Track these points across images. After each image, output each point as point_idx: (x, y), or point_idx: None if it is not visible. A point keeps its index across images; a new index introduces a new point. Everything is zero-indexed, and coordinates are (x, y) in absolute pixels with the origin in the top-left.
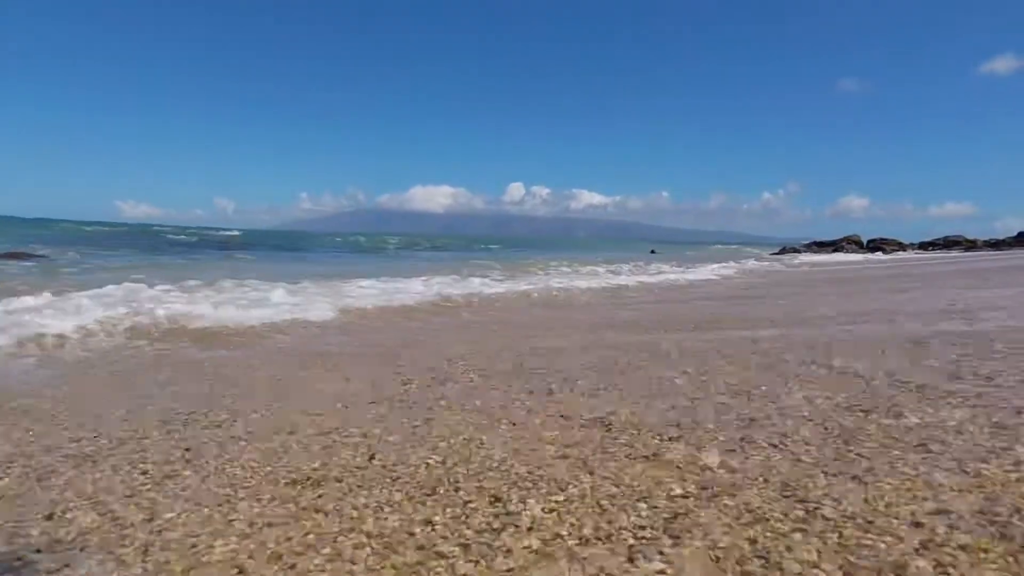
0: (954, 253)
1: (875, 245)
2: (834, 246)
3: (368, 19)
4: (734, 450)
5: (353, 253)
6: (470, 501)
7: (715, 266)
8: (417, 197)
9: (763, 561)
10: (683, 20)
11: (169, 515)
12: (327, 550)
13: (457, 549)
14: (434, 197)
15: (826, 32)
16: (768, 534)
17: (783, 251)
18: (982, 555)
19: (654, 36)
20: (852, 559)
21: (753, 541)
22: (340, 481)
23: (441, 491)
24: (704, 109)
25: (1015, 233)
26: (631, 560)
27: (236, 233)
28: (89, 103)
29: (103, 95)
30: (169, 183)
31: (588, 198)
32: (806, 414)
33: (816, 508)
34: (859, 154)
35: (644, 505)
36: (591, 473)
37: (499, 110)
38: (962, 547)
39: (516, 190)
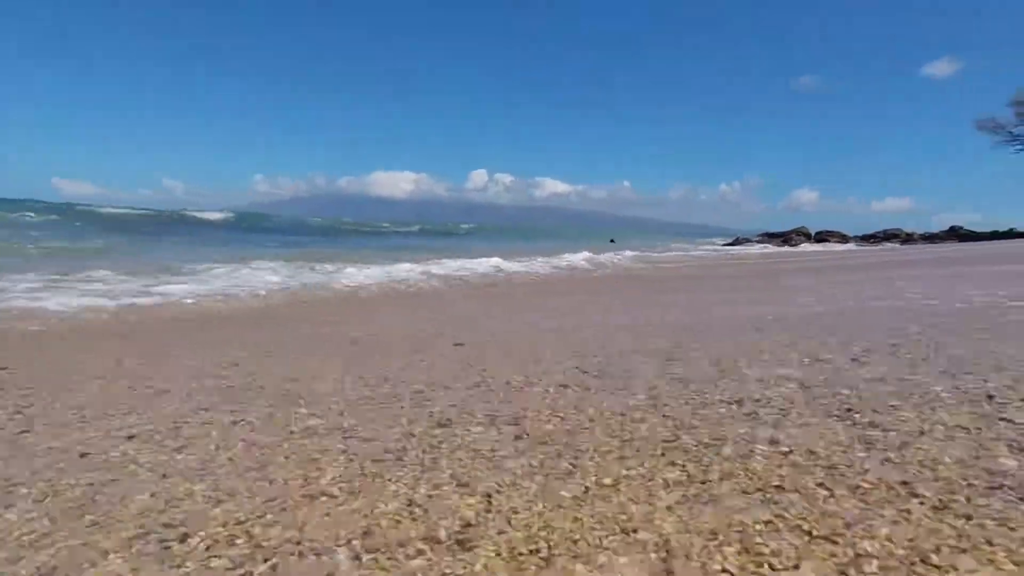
0: (890, 245)
1: (821, 237)
2: (783, 237)
3: (331, 7)
4: None
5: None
6: None
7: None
8: (379, 182)
9: None
10: (644, 14)
11: None
12: None
13: None
14: (396, 183)
15: (784, 30)
16: None
17: (736, 242)
18: None
19: (616, 28)
20: None
21: None
22: None
23: None
24: (665, 101)
25: (947, 227)
26: None
27: (221, 215)
28: (23, 73)
29: (41, 65)
30: (112, 161)
31: (552, 186)
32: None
33: None
34: (811, 149)
35: None
36: None
37: (463, 95)
38: None
39: (479, 177)
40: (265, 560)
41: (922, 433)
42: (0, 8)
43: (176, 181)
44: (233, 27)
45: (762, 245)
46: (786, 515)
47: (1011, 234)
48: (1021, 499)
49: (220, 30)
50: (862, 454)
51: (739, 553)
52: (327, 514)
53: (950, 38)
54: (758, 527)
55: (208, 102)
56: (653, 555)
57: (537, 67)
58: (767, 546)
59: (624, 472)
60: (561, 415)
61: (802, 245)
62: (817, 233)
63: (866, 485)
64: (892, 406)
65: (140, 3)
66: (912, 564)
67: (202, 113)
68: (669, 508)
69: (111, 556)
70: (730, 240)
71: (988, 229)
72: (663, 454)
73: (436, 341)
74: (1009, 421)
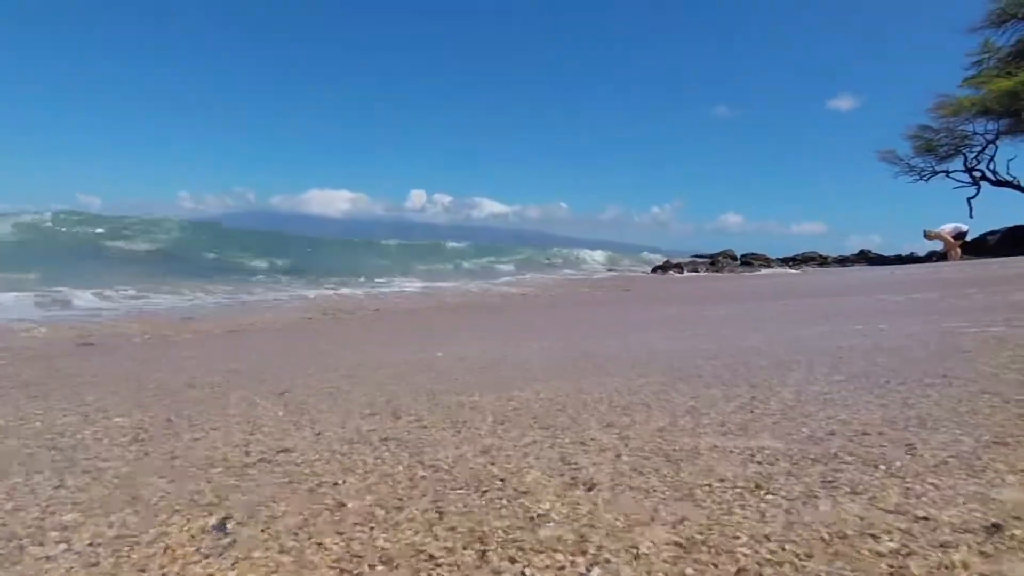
0: (811, 268)
1: (746, 260)
2: (712, 260)
3: (259, 17)
4: None
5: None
6: None
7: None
8: (315, 200)
9: None
10: (578, 44)
11: None
12: None
13: None
14: (333, 201)
15: (701, 61)
16: None
17: (665, 266)
18: None
19: (547, 54)
20: None
21: None
22: None
23: None
24: (597, 126)
25: (857, 250)
26: None
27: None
28: None
29: None
30: (17, 174)
31: (490, 206)
32: None
33: None
34: (733, 175)
35: None
36: None
37: (400, 115)
38: None
39: (418, 197)
40: None
41: None
42: None
43: (91, 196)
44: (162, 40)
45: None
46: None
47: (911, 258)
48: None
49: (149, 42)
50: None
51: None
52: None
53: (849, 77)
54: None
55: (122, 116)
56: None
57: (477, 88)
58: None
59: None
60: None
61: (737, 270)
62: (743, 256)
63: None
64: None
65: (63, 15)
66: None
67: (124, 126)
68: None
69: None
70: (659, 263)
71: (891, 252)
72: None
73: None
74: None
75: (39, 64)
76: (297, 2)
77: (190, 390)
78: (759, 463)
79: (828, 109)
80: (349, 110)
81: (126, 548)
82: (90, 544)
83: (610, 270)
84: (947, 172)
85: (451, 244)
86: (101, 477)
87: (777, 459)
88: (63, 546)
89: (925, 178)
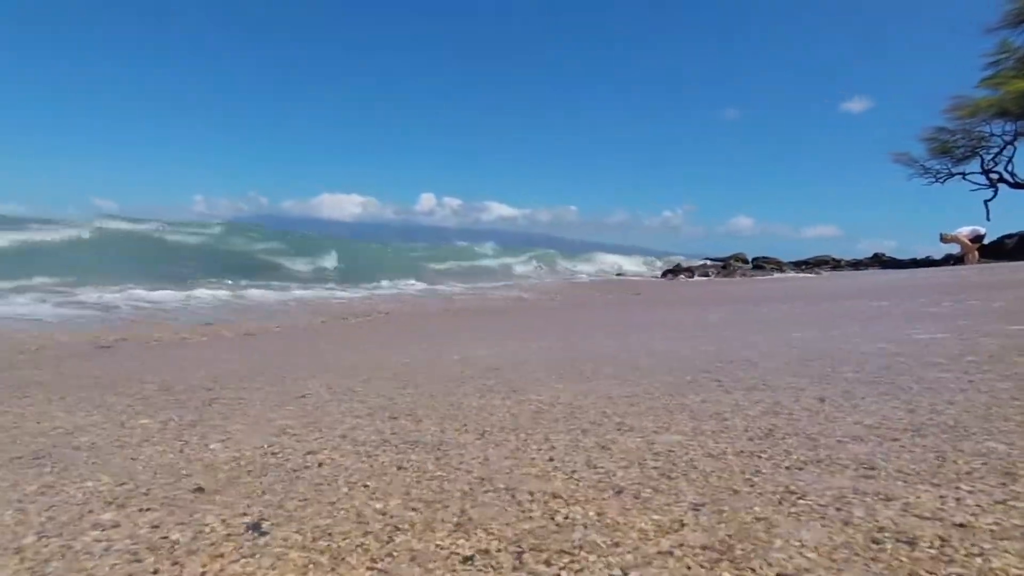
0: (826, 272)
1: (758, 264)
2: (724, 263)
3: (272, 24)
4: None
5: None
6: None
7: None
8: (325, 204)
9: None
10: (583, 45)
11: None
12: None
13: None
14: (343, 205)
15: (708, 63)
16: None
17: (676, 269)
18: None
19: (553, 56)
20: None
21: None
22: None
23: None
24: (605, 128)
25: (871, 254)
26: None
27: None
28: None
29: None
30: (33, 179)
31: (499, 209)
32: None
33: None
34: (744, 178)
35: None
36: None
37: (409, 118)
38: None
39: (427, 201)
40: None
41: None
42: None
43: (106, 200)
44: (171, 44)
45: (703, 276)
46: None
47: (927, 262)
48: None
49: (159, 45)
50: None
51: None
52: None
53: (861, 78)
54: None
55: (145, 118)
56: None
57: (485, 90)
58: None
59: None
60: None
61: (749, 274)
62: (754, 259)
63: None
64: None
65: (67, 17)
66: None
67: (137, 129)
68: None
69: None
70: (669, 267)
71: (905, 256)
72: None
73: None
74: None
75: (51, 67)
76: (303, 5)
77: (221, 390)
78: (787, 468)
79: (840, 111)
80: (358, 113)
81: (166, 547)
82: (131, 541)
83: (619, 274)
84: (963, 174)
85: (463, 244)
86: (135, 477)
87: (806, 464)
88: (103, 544)
89: (941, 180)
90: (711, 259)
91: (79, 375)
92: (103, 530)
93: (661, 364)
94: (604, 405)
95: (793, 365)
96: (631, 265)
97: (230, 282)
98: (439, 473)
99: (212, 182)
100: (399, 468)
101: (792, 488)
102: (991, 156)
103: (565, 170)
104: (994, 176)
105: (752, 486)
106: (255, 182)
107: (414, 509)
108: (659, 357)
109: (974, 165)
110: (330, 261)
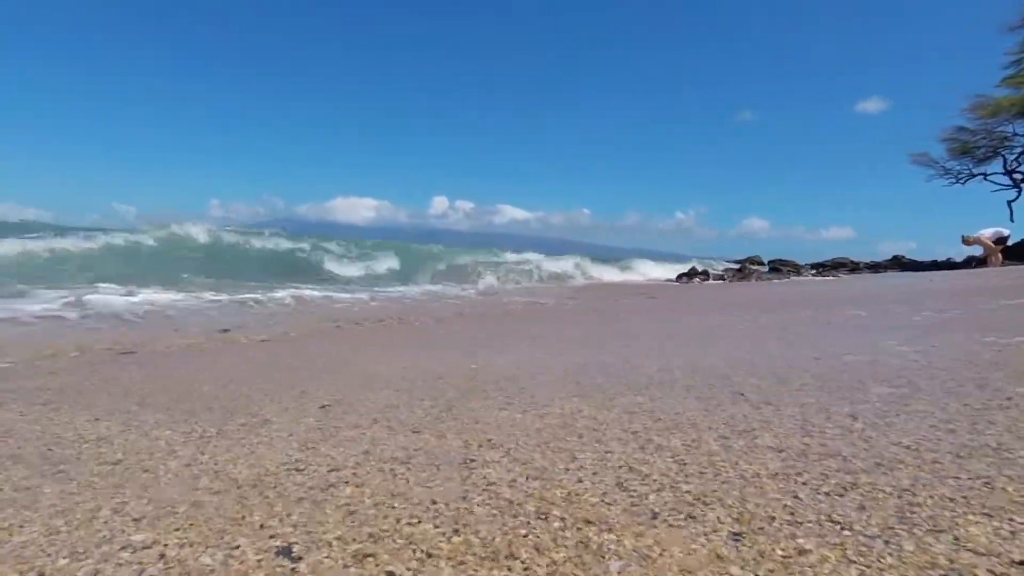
0: (844, 274)
1: (774, 266)
2: (739, 267)
3: (283, 25)
4: None
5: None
6: None
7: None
8: (340, 208)
9: None
10: (596, 48)
11: None
12: None
13: None
14: (357, 209)
15: (722, 67)
16: None
17: (690, 274)
18: None
19: (566, 58)
20: None
21: None
22: None
23: None
24: (619, 130)
25: (890, 256)
26: None
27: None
28: None
29: None
30: (51, 186)
31: (511, 213)
32: None
33: None
34: (758, 179)
35: None
36: None
37: (422, 122)
38: None
39: (440, 203)
40: None
41: None
42: None
43: (126, 205)
44: (185, 49)
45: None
46: None
47: (948, 264)
48: None
49: (177, 54)
50: None
51: None
52: None
53: (878, 79)
54: None
55: (153, 127)
56: None
57: (498, 93)
58: None
59: None
60: None
61: (764, 277)
62: (770, 262)
63: None
64: None
65: (81, 23)
66: None
67: (147, 139)
68: None
69: None
70: (683, 270)
71: (925, 258)
72: None
73: None
74: None
75: (72, 75)
76: (317, 12)
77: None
78: (826, 494)
79: (855, 111)
80: (371, 116)
81: (197, 571)
82: (164, 564)
83: (627, 276)
84: (985, 175)
85: (481, 246)
86: (160, 496)
87: (846, 490)
88: (136, 567)
89: (962, 181)
90: (726, 260)
91: (107, 380)
92: (134, 551)
93: (681, 375)
94: (627, 421)
95: (821, 379)
96: (643, 268)
97: (308, 286)
98: (468, 494)
99: (227, 186)
100: (425, 487)
101: (834, 517)
102: (1014, 156)
103: (577, 172)
104: (1017, 176)
105: (792, 514)
106: (269, 186)
107: (444, 535)
108: (678, 367)
109: (996, 165)
110: (389, 263)
